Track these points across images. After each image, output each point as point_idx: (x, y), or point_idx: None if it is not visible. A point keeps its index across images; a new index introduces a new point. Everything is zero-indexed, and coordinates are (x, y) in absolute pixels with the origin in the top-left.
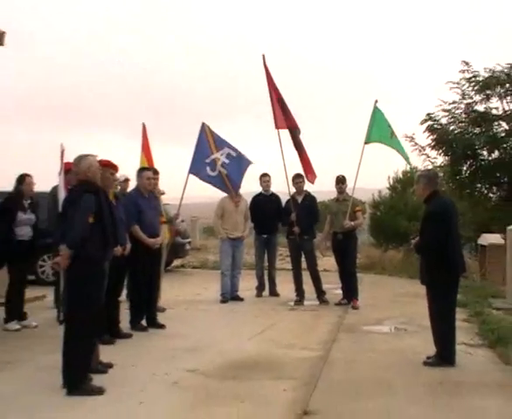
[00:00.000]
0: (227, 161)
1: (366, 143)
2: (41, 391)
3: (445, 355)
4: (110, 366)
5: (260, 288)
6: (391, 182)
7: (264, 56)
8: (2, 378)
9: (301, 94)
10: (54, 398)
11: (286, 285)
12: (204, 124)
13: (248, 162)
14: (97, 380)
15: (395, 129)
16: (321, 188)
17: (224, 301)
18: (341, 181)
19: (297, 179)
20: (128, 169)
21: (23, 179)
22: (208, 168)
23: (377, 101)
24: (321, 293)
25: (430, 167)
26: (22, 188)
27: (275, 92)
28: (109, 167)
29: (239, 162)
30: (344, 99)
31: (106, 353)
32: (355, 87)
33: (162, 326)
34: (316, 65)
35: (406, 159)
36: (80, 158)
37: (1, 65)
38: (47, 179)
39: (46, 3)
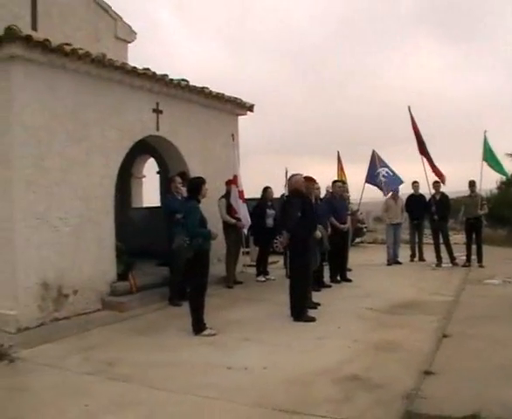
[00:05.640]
0: (386, 175)
1: (484, 161)
2: (277, 317)
3: None
4: (318, 304)
5: (412, 255)
6: (498, 184)
7: (409, 107)
8: (256, 308)
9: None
10: (286, 322)
11: (429, 254)
12: (374, 150)
13: (400, 181)
14: (311, 312)
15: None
16: (451, 189)
17: (389, 264)
18: (473, 184)
19: (436, 184)
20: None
21: (266, 189)
22: (378, 179)
23: (486, 131)
24: (452, 259)
25: None
26: (266, 195)
27: (416, 132)
28: (310, 180)
29: (395, 178)
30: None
31: (315, 296)
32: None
33: (349, 280)
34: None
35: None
36: (292, 176)
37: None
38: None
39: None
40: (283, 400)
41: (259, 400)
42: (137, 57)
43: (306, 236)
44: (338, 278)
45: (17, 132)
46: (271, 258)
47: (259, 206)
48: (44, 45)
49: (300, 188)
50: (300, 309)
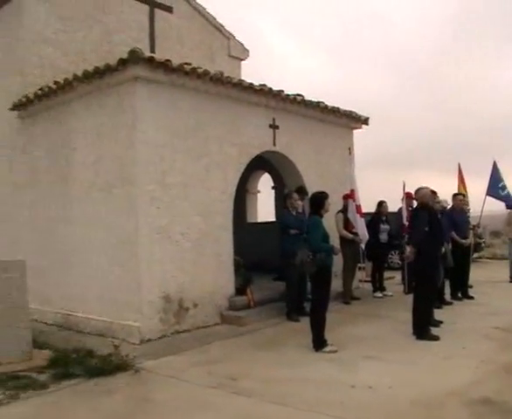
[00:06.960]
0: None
1: None
2: (398, 335)
3: None
4: (441, 322)
5: None
6: None
7: None
8: (376, 325)
9: None
10: (408, 340)
11: None
12: (495, 161)
13: None
14: (433, 330)
15: None
16: None
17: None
18: None
19: None
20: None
21: (381, 204)
22: (501, 191)
23: None
24: None
25: None
26: (381, 209)
27: None
28: (435, 193)
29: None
30: None
31: (437, 313)
32: None
33: (471, 297)
34: None
35: None
36: (419, 189)
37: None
38: (394, 203)
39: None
40: None
41: None
42: (247, 73)
43: (433, 251)
44: (459, 294)
45: (141, 149)
46: (386, 274)
47: (373, 221)
48: (165, 66)
49: (427, 202)
50: (423, 327)
